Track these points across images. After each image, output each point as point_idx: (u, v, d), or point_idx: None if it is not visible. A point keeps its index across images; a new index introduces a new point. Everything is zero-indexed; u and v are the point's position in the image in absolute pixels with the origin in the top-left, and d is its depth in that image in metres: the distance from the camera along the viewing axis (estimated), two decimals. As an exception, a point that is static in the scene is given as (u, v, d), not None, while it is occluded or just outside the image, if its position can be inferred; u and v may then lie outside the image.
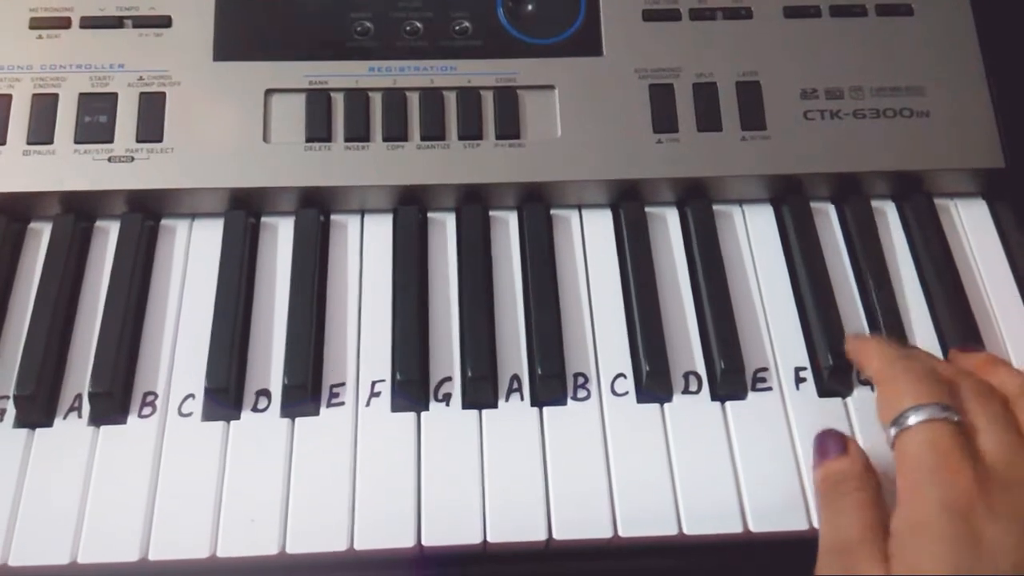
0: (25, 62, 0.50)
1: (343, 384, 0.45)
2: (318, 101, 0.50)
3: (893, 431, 0.37)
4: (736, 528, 0.41)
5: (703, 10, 0.53)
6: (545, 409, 0.45)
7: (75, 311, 0.47)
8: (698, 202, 0.51)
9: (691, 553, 0.39)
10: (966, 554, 0.33)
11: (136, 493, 0.42)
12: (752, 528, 0.41)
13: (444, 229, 0.51)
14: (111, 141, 0.49)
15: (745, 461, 0.43)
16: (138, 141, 0.49)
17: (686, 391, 0.45)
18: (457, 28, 0.52)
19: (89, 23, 0.51)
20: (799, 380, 0.46)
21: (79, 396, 0.45)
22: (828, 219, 0.52)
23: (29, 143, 0.49)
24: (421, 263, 0.49)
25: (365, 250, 0.50)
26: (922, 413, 0.37)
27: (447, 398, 0.45)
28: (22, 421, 0.44)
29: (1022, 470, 0.36)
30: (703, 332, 0.47)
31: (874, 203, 0.52)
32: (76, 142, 0.49)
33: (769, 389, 0.46)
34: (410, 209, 0.50)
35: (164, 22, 0.51)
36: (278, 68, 0.51)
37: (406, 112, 0.50)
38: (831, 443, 0.40)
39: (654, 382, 0.45)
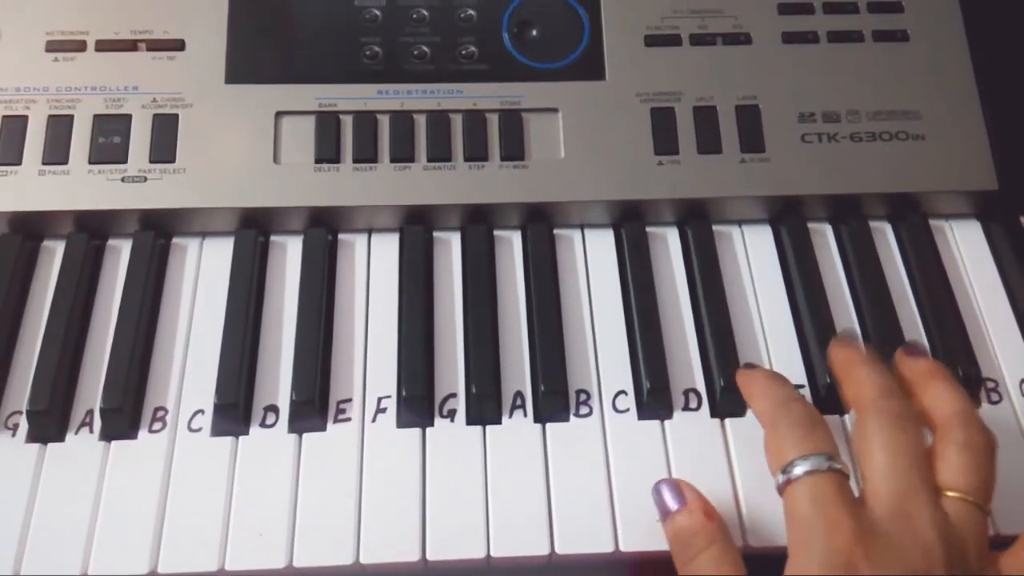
0: (41, 84, 0.52)
1: (350, 400, 0.46)
2: (327, 123, 0.51)
3: (780, 479, 0.38)
4: (736, 542, 0.42)
5: (703, 35, 0.54)
6: (548, 425, 0.45)
7: (87, 328, 0.48)
8: (698, 222, 0.52)
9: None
10: None
11: (146, 507, 0.43)
12: (751, 543, 0.42)
13: (449, 248, 0.52)
14: (125, 162, 0.50)
15: (744, 478, 0.44)
16: (151, 162, 0.50)
17: (686, 408, 0.46)
18: (463, 53, 0.53)
19: (104, 46, 0.52)
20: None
21: (90, 412, 0.45)
22: (826, 239, 0.53)
23: (44, 163, 0.50)
24: (427, 281, 0.50)
25: (372, 269, 0.51)
26: (806, 464, 0.37)
27: (452, 414, 0.46)
28: (34, 436, 0.45)
29: (911, 520, 0.36)
30: (703, 350, 0.48)
31: (871, 224, 0.53)
32: (90, 162, 0.50)
33: (768, 406, 0.46)
34: (416, 228, 0.51)
35: (177, 46, 0.53)
36: (288, 91, 0.52)
37: (413, 134, 0.51)
38: (668, 495, 0.40)
39: (655, 399, 0.46)
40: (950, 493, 0.38)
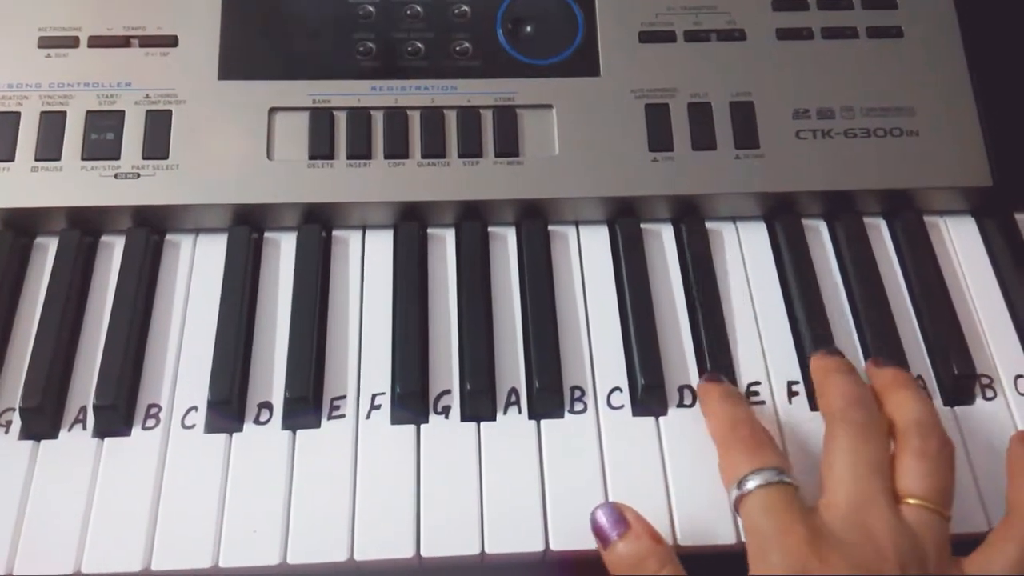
0: (34, 80, 0.51)
1: (344, 397, 0.46)
2: (321, 119, 0.51)
3: (735, 494, 0.39)
4: (730, 540, 0.42)
5: (698, 32, 0.54)
6: (543, 422, 0.45)
7: (80, 324, 0.48)
8: (693, 219, 0.52)
9: (687, 562, 0.39)
10: None
11: (140, 504, 0.43)
12: (744, 539, 0.42)
13: (444, 245, 0.52)
14: (118, 158, 0.50)
15: (739, 473, 0.44)
16: (144, 158, 0.50)
17: (681, 404, 0.46)
18: (458, 49, 0.53)
19: (97, 42, 0.52)
20: (791, 394, 0.47)
21: (84, 408, 0.45)
22: (820, 236, 0.53)
23: (37, 159, 0.50)
24: (421, 278, 0.50)
25: (366, 265, 0.51)
26: (757, 478, 0.38)
27: (446, 411, 0.46)
28: (28, 433, 0.45)
29: (866, 527, 0.37)
30: (697, 347, 0.48)
31: (865, 220, 0.53)
32: (83, 159, 0.50)
33: (763, 403, 0.46)
34: (411, 225, 0.51)
35: (170, 42, 0.52)
36: (282, 87, 0.52)
37: (407, 130, 0.51)
38: (607, 520, 0.39)
39: (649, 396, 0.46)
40: (910, 500, 0.38)
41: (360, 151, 0.51)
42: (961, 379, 0.47)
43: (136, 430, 0.45)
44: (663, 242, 0.52)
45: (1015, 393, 0.47)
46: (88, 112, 0.51)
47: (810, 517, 0.37)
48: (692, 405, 0.46)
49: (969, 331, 0.49)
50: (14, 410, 0.45)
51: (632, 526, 0.39)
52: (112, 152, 0.50)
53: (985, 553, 0.38)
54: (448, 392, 0.46)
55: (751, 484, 0.38)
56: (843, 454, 0.39)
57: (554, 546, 0.42)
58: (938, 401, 0.47)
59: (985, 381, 0.48)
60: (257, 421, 0.45)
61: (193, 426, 0.45)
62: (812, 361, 0.45)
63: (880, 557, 0.36)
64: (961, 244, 0.53)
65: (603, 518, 0.40)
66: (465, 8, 0.54)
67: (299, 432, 0.45)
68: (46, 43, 0.52)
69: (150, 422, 0.45)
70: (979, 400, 0.47)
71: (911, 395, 0.42)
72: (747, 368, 0.47)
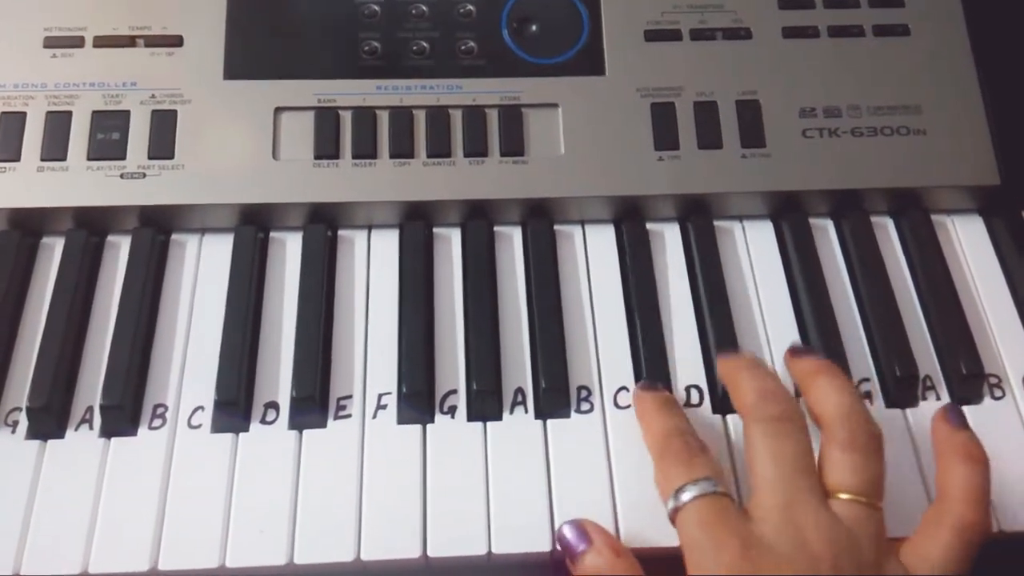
0: (39, 80, 0.51)
1: (350, 396, 0.46)
2: (326, 119, 0.51)
3: (670, 506, 0.39)
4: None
5: (703, 30, 0.54)
6: (549, 421, 0.45)
7: (87, 324, 0.48)
8: (699, 218, 0.52)
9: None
10: None
11: (146, 504, 0.43)
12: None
13: (449, 244, 0.51)
14: (123, 158, 0.50)
15: (745, 474, 0.44)
16: (150, 158, 0.50)
17: (688, 404, 0.46)
18: (463, 48, 0.53)
19: (102, 42, 0.52)
20: (798, 394, 0.46)
21: (90, 408, 0.45)
22: (827, 235, 0.53)
23: (43, 159, 0.50)
24: (427, 277, 0.50)
25: (372, 265, 0.51)
26: (692, 490, 0.38)
27: (452, 410, 0.46)
28: (35, 432, 0.45)
29: (795, 528, 0.36)
30: (704, 346, 0.48)
31: (872, 219, 0.52)
32: (89, 159, 0.50)
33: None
34: (416, 224, 0.51)
35: (176, 41, 0.53)
36: (287, 87, 0.52)
37: (413, 130, 0.51)
38: (572, 536, 0.40)
39: (656, 395, 0.46)
40: (840, 495, 0.38)
41: (365, 150, 0.51)
42: (969, 378, 0.47)
43: (142, 430, 0.45)
44: (669, 241, 0.52)
45: (1023, 391, 0.47)
46: (94, 112, 0.51)
47: (743, 526, 0.37)
48: (699, 405, 0.46)
49: (977, 330, 0.49)
50: (21, 410, 0.45)
51: (594, 541, 0.40)
52: (118, 152, 0.50)
53: (919, 540, 0.38)
54: (454, 392, 0.46)
55: (685, 496, 0.38)
56: (765, 456, 0.39)
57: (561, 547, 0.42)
58: (946, 400, 0.47)
59: (993, 380, 0.47)
60: (263, 421, 0.45)
61: (199, 426, 0.45)
62: (719, 364, 0.44)
63: (814, 560, 0.36)
64: (968, 243, 0.52)
65: (568, 534, 0.40)
66: (470, 7, 0.54)
67: (305, 432, 0.45)
68: (52, 43, 0.52)
69: (156, 422, 0.45)
70: (987, 399, 0.47)
71: (833, 382, 0.41)
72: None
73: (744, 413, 0.41)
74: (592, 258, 0.51)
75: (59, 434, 0.45)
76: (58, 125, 0.50)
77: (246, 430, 0.45)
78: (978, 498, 0.39)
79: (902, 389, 0.47)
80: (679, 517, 0.38)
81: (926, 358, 0.48)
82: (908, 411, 0.46)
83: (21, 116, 0.51)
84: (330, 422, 0.45)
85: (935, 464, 0.41)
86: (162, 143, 0.50)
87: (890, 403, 0.47)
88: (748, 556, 0.36)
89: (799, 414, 0.40)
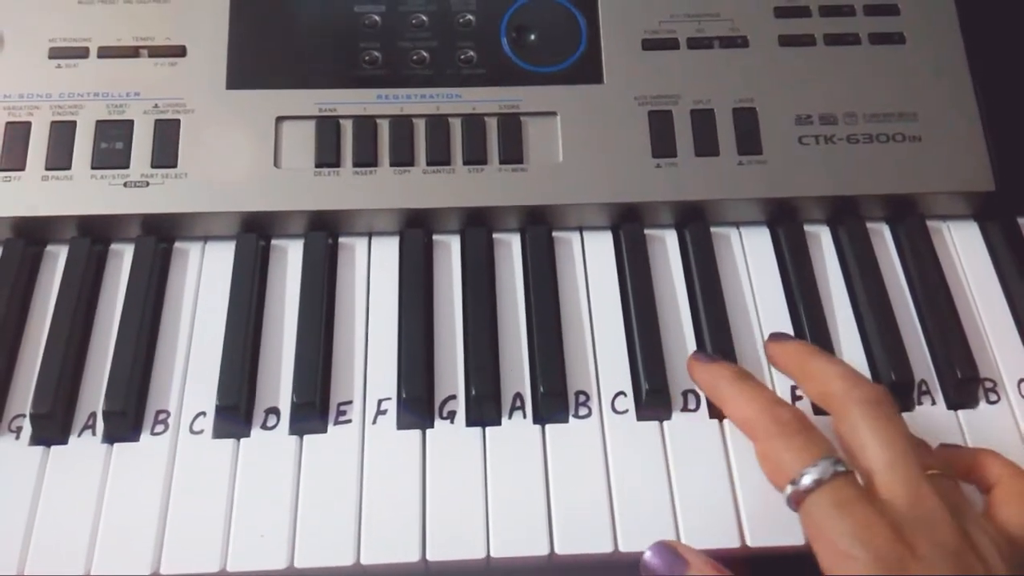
0: (44, 90, 0.52)
1: (350, 402, 0.46)
2: (327, 128, 0.52)
3: (790, 491, 0.37)
4: (734, 543, 0.42)
5: (700, 39, 0.55)
6: (547, 426, 0.46)
7: (90, 331, 0.49)
8: (696, 225, 0.52)
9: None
10: None
11: (148, 509, 0.43)
12: (749, 543, 0.42)
13: (449, 251, 0.52)
14: (127, 167, 0.51)
15: (743, 478, 0.44)
16: (153, 167, 0.51)
17: (685, 409, 0.46)
18: (463, 57, 0.54)
19: (106, 53, 0.53)
20: (795, 398, 0.47)
21: (93, 414, 0.46)
22: (824, 241, 0.53)
23: (48, 169, 0.50)
24: (427, 284, 0.50)
25: (372, 271, 0.51)
26: (815, 473, 0.36)
27: (452, 416, 0.46)
28: (38, 438, 0.45)
29: (927, 503, 0.36)
30: (701, 351, 0.48)
31: (868, 225, 0.53)
32: (93, 168, 0.51)
33: (766, 407, 0.46)
34: (416, 232, 0.51)
35: (179, 52, 0.53)
36: (289, 96, 0.52)
37: (413, 138, 0.52)
38: (664, 560, 0.38)
39: (653, 400, 0.46)
40: (929, 471, 0.38)
41: (366, 159, 0.51)
42: (964, 383, 0.47)
43: (145, 436, 0.45)
44: (667, 247, 0.52)
45: (1018, 396, 0.48)
46: (98, 122, 0.51)
47: (882, 507, 0.36)
48: (696, 409, 0.46)
49: (972, 335, 0.49)
50: (24, 416, 0.45)
51: (691, 562, 0.37)
52: (121, 161, 0.51)
53: (996, 508, 0.39)
54: (454, 397, 0.47)
55: (808, 480, 0.36)
56: (874, 440, 0.37)
57: (559, 550, 0.42)
58: (942, 405, 0.47)
59: (988, 385, 0.48)
60: (264, 426, 0.46)
61: (201, 432, 0.45)
62: (769, 346, 0.43)
63: (952, 534, 0.35)
64: (964, 248, 0.53)
65: (656, 560, 0.38)
66: (470, 17, 0.55)
67: (306, 437, 0.45)
68: (56, 54, 0.53)
69: (159, 428, 0.46)
70: (982, 403, 0.47)
71: (825, 360, 0.41)
72: (751, 371, 0.47)
73: (833, 400, 0.39)
74: (590, 264, 0.52)
75: (62, 440, 0.45)
76: (62, 134, 0.51)
77: (247, 435, 0.45)
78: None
79: (898, 394, 0.47)
80: (807, 505, 0.36)
81: (922, 363, 0.48)
82: (904, 415, 0.46)
83: (26, 126, 0.51)
84: (330, 427, 0.46)
85: (972, 475, 0.42)
86: (165, 152, 0.51)
87: (886, 408, 0.47)
88: (901, 535, 0.35)
89: (889, 394, 0.39)
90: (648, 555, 0.38)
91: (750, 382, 0.41)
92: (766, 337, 0.49)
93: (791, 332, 0.49)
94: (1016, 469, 0.40)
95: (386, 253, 0.51)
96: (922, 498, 0.36)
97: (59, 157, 0.51)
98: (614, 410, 0.46)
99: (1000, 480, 0.40)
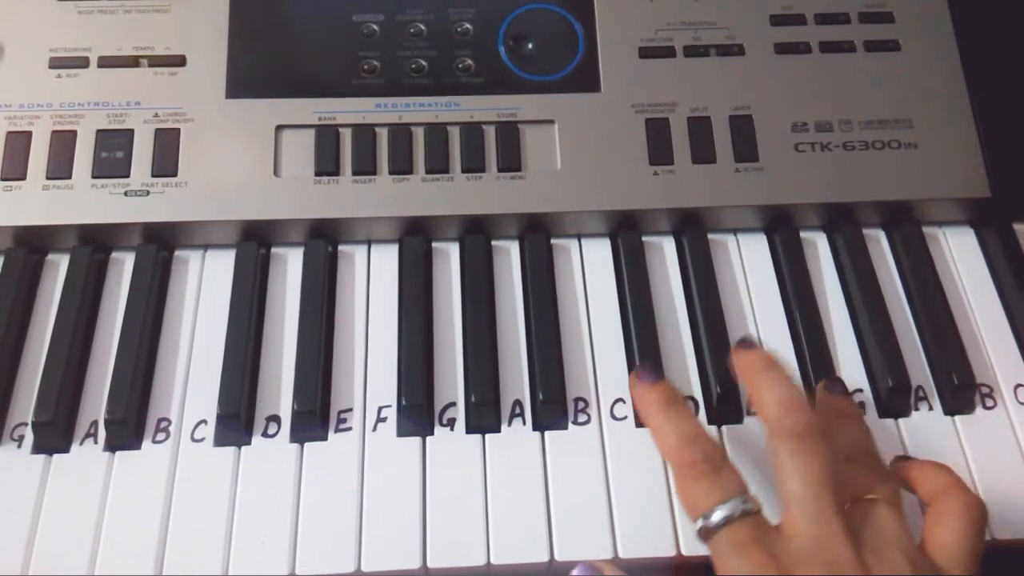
0: (45, 100, 0.52)
1: (351, 410, 0.47)
2: (327, 136, 0.52)
3: (699, 525, 0.38)
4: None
5: (697, 47, 0.55)
6: (547, 433, 0.46)
7: (91, 340, 0.49)
8: (694, 231, 0.53)
9: (685, 573, 0.40)
10: None
11: (150, 517, 0.43)
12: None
13: (448, 259, 0.52)
14: (127, 176, 0.51)
15: (741, 483, 0.44)
16: (153, 176, 0.51)
17: (683, 415, 0.47)
18: (460, 66, 0.54)
19: (106, 62, 0.53)
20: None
21: (95, 423, 0.46)
22: (820, 248, 0.53)
23: (48, 178, 0.51)
24: (426, 292, 0.50)
25: (372, 279, 0.51)
26: (723, 511, 0.38)
27: (451, 423, 0.46)
28: (40, 447, 0.45)
29: (828, 542, 0.36)
30: (699, 358, 0.49)
31: (865, 231, 0.53)
32: (94, 177, 0.51)
33: (764, 413, 0.47)
34: (415, 239, 0.52)
35: (179, 61, 0.53)
36: (288, 105, 0.53)
37: (411, 146, 0.52)
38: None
39: (652, 406, 0.46)
40: (866, 496, 0.39)
41: (365, 167, 0.52)
42: (961, 389, 0.47)
43: (146, 444, 0.46)
44: (664, 254, 0.53)
45: (1015, 402, 0.48)
46: (98, 131, 0.52)
47: (778, 546, 0.37)
48: (695, 416, 0.46)
49: (968, 341, 0.49)
50: (26, 424, 0.46)
51: None
52: (122, 170, 0.51)
53: (931, 536, 0.39)
54: (453, 404, 0.47)
55: (716, 518, 0.38)
56: (793, 474, 0.38)
57: (559, 556, 0.42)
58: (939, 410, 0.47)
59: (985, 390, 0.48)
60: (265, 434, 0.46)
61: (202, 439, 0.46)
62: (734, 354, 0.43)
63: (849, 571, 0.36)
64: (960, 254, 0.53)
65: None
66: (467, 26, 0.55)
67: (307, 445, 0.45)
68: (57, 64, 0.53)
69: (160, 436, 0.46)
70: (979, 409, 0.48)
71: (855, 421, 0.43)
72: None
73: (767, 423, 0.40)
74: (588, 271, 0.52)
75: (64, 448, 0.45)
76: (63, 144, 0.51)
77: (248, 443, 0.46)
78: (959, 482, 0.40)
79: (894, 399, 0.47)
80: (712, 540, 0.38)
81: (918, 368, 0.49)
82: (901, 421, 0.47)
83: (27, 135, 0.51)
84: (331, 435, 0.46)
85: (909, 483, 0.42)
86: (165, 161, 0.51)
87: (883, 413, 0.47)
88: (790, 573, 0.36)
89: (819, 425, 0.40)
90: (576, 572, 0.39)
91: (675, 411, 0.41)
92: (764, 341, 0.49)
93: (788, 338, 0.49)
94: (950, 484, 0.40)
95: (385, 261, 0.52)
96: (824, 537, 0.37)
97: (60, 166, 0.51)
98: (613, 417, 0.47)
99: (934, 498, 0.40)
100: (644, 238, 0.53)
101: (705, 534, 0.38)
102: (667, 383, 0.43)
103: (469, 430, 0.46)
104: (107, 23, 0.54)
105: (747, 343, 0.43)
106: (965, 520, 0.38)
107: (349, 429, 0.46)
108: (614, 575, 0.39)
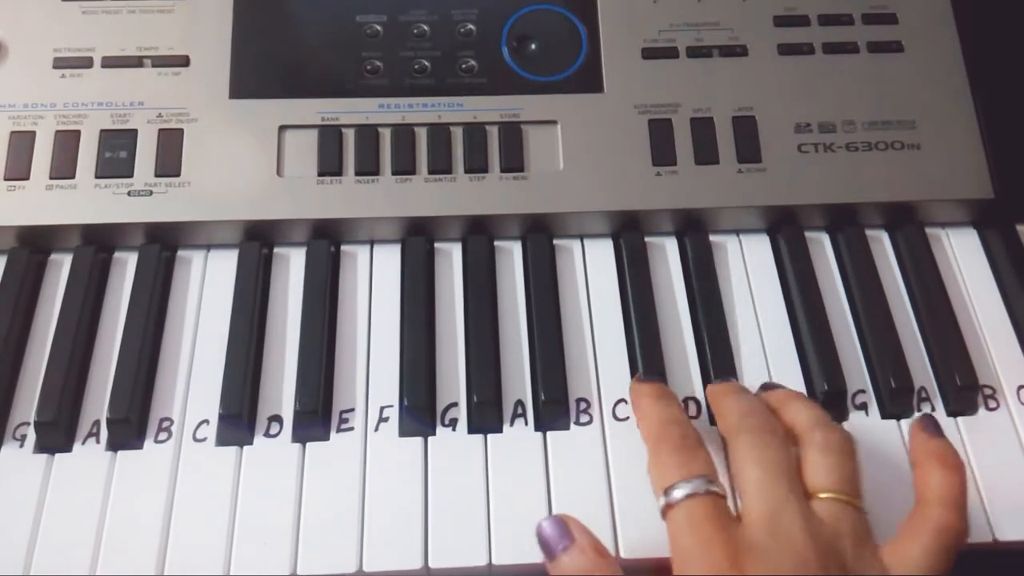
0: (49, 100, 0.52)
1: (352, 410, 0.47)
2: (330, 137, 0.52)
3: (662, 502, 0.39)
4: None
5: (700, 48, 0.55)
6: (548, 434, 0.46)
7: (94, 339, 0.49)
8: (696, 232, 0.52)
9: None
10: None
11: (151, 516, 0.43)
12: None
13: (450, 259, 0.52)
14: (131, 176, 0.51)
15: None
16: (156, 176, 0.51)
17: (686, 416, 0.47)
18: (464, 67, 0.54)
19: (110, 63, 0.53)
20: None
21: (97, 422, 0.46)
22: (823, 248, 0.53)
23: (52, 178, 0.51)
24: (428, 292, 0.50)
25: (374, 279, 0.51)
26: (685, 488, 0.38)
27: (453, 423, 0.46)
28: (42, 446, 0.45)
29: (783, 527, 0.37)
30: (701, 359, 0.49)
31: (867, 232, 0.53)
32: (97, 177, 0.51)
33: (766, 414, 0.47)
34: (418, 240, 0.52)
35: (182, 62, 0.54)
36: (291, 105, 0.53)
37: (414, 147, 0.52)
38: (553, 532, 0.39)
39: (654, 407, 0.46)
40: (821, 495, 0.39)
41: (368, 167, 0.52)
42: (964, 390, 0.47)
43: (148, 443, 0.46)
44: (667, 255, 0.53)
45: (1018, 403, 0.48)
46: (102, 131, 0.52)
47: (732, 529, 0.37)
48: (696, 416, 0.47)
49: (971, 342, 0.49)
50: (29, 424, 0.46)
51: (576, 539, 0.38)
52: (125, 170, 0.51)
53: (899, 541, 0.38)
54: (455, 404, 0.47)
55: (678, 494, 0.38)
56: (751, 463, 0.39)
57: (560, 557, 0.42)
58: (941, 412, 0.47)
59: (988, 392, 0.48)
60: (267, 434, 0.46)
61: (204, 439, 0.46)
62: (707, 392, 0.46)
63: (801, 563, 0.36)
64: (963, 255, 0.53)
65: (548, 530, 0.39)
66: (471, 27, 0.55)
67: (309, 445, 0.45)
68: (61, 64, 0.53)
69: (162, 435, 0.46)
70: (982, 410, 0.47)
71: (804, 403, 0.43)
72: (751, 379, 0.48)
73: (728, 431, 0.41)
74: (591, 272, 0.52)
75: (67, 448, 0.45)
76: (67, 144, 0.51)
77: (250, 443, 0.46)
78: (955, 502, 0.39)
79: (897, 401, 0.47)
80: (669, 514, 0.38)
81: (921, 370, 0.48)
82: (903, 422, 0.47)
83: (31, 135, 0.52)
84: (333, 435, 0.46)
85: (913, 472, 0.41)
86: (168, 161, 0.51)
87: (885, 414, 0.47)
88: (735, 557, 0.36)
89: (780, 428, 0.41)
90: (542, 524, 0.39)
91: (664, 400, 0.43)
92: (765, 342, 0.49)
93: (791, 339, 0.49)
94: (949, 501, 0.39)
95: (388, 261, 0.52)
96: (778, 525, 0.37)
97: (63, 166, 0.51)
98: (615, 417, 0.46)
99: (927, 504, 0.40)
100: (647, 239, 0.53)
101: (665, 510, 0.38)
102: (665, 384, 0.44)
103: (471, 430, 0.46)
104: (111, 23, 0.54)
105: (721, 378, 0.46)
106: (937, 541, 0.38)
107: (351, 429, 0.46)
108: (581, 530, 0.39)
